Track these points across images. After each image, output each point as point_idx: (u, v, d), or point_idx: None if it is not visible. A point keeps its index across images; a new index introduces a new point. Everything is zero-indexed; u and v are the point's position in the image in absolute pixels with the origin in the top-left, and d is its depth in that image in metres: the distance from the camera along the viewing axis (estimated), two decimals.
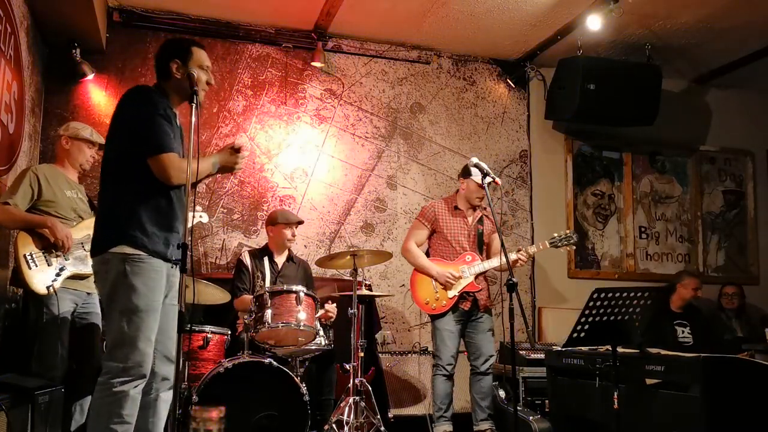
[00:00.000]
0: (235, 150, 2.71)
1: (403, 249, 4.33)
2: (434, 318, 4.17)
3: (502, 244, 3.53)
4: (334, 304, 4.20)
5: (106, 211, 2.59)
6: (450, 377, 4.11)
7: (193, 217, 4.11)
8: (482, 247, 4.24)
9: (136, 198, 2.53)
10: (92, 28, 4.52)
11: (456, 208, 4.24)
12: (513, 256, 4.10)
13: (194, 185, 2.77)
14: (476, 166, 3.78)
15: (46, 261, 3.36)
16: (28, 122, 4.24)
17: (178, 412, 2.52)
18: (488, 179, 3.75)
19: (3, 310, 3.87)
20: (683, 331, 5.13)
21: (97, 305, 3.65)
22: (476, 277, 4.12)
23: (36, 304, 3.38)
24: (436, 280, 4.13)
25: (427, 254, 4.31)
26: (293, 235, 4.37)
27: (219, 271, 4.96)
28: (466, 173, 4.19)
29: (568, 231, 4.27)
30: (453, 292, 4.10)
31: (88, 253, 3.49)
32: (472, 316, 4.16)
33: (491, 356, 4.11)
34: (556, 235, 4.24)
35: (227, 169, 2.74)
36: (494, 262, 4.13)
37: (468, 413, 4.39)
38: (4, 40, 3.57)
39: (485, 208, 4.29)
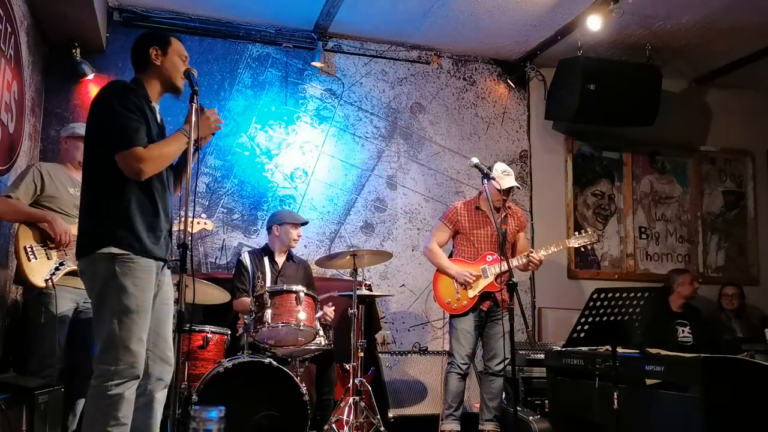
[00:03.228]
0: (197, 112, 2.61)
1: (425, 249, 4.37)
2: (453, 317, 4.17)
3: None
4: (333, 308, 4.21)
5: (90, 210, 2.54)
6: (463, 377, 4.11)
7: (196, 222, 4.15)
8: (506, 247, 4.22)
9: (119, 196, 2.48)
10: (92, 28, 4.52)
11: (477, 208, 4.25)
12: (524, 260, 4.13)
13: (179, 169, 2.70)
14: (476, 166, 3.78)
15: (46, 255, 3.38)
16: (28, 122, 4.24)
17: (178, 412, 2.51)
18: (488, 180, 3.76)
19: (3, 310, 3.87)
20: (683, 331, 5.13)
21: None
22: (497, 278, 4.11)
23: (35, 302, 3.40)
24: (455, 279, 4.13)
25: (451, 255, 4.31)
26: (299, 236, 4.44)
27: (219, 271, 4.96)
28: (486, 176, 4.14)
29: (590, 230, 4.35)
30: (473, 292, 4.10)
31: None
32: (492, 316, 4.15)
33: (506, 359, 4.08)
34: (576, 233, 4.35)
35: (205, 134, 2.67)
36: (514, 262, 4.14)
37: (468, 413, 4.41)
38: (4, 40, 3.58)
39: (509, 207, 4.30)
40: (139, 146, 2.45)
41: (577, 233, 4.37)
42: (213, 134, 2.75)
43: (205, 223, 4.21)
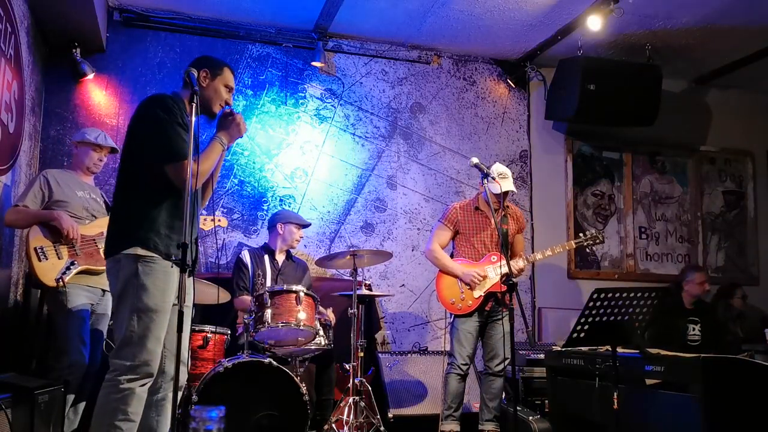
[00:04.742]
0: (228, 116, 2.77)
1: (427, 251, 4.32)
2: (457, 318, 4.16)
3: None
4: (332, 309, 4.22)
5: (121, 213, 2.64)
6: (463, 377, 4.10)
7: (210, 219, 4.19)
8: (507, 247, 4.22)
9: (150, 201, 2.58)
10: (92, 28, 4.53)
11: (477, 208, 4.24)
12: (521, 263, 4.14)
13: (206, 181, 2.80)
14: (476, 166, 3.78)
15: (57, 254, 3.44)
16: (28, 122, 4.24)
17: (177, 412, 2.51)
18: (488, 180, 3.76)
19: (4, 310, 3.87)
20: (694, 329, 5.06)
21: (110, 306, 3.68)
22: (502, 278, 4.10)
23: (52, 301, 3.45)
24: (461, 280, 4.12)
25: (452, 256, 4.30)
26: (301, 237, 4.48)
27: (219, 271, 4.95)
28: (486, 176, 4.12)
29: (593, 230, 4.40)
30: (479, 292, 4.08)
31: (101, 250, 3.55)
32: (493, 316, 4.15)
33: (506, 359, 4.08)
34: (581, 235, 4.41)
35: (235, 138, 2.81)
36: (520, 262, 4.17)
37: (468, 413, 4.41)
38: (5, 40, 3.58)
39: (508, 207, 4.31)
40: (188, 159, 2.54)
41: (581, 234, 4.40)
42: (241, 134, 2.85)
43: (219, 220, 4.25)
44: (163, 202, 2.59)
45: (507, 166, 4.39)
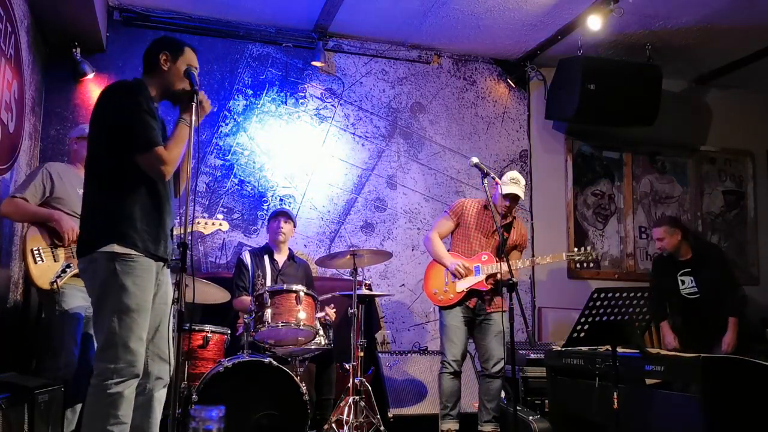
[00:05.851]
0: (187, 93, 2.59)
1: (426, 238, 4.37)
2: (441, 311, 4.19)
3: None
4: (335, 309, 4.21)
5: (93, 209, 2.53)
6: (456, 375, 4.10)
7: (211, 223, 4.18)
8: (502, 253, 4.21)
9: (123, 195, 2.48)
10: (92, 28, 4.53)
11: (485, 207, 4.25)
12: (519, 264, 4.16)
13: (178, 171, 2.65)
14: (476, 166, 3.77)
15: (53, 257, 3.41)
16: (28, 121, 4.24)
17: (177, 412, 2.50)
18: (487, 180, 3.77)
19: (4, 310, 3.87)
20: (690, 281, 4.85)
21: None
22: (487, 278, 4.12)
23: (48, 302, 3.44)
24: (447, 268, 4.14)
25: (449, 250, 4.33)
26: (281, 228, 4.38)
27: (219, 271, 4.96)
28: (486, 176, 4.11)
29: (588, 249, 4.37)
30: (462, 287, 4.11)
31: None
32: (480, 316, 4.15)
33: (501, 359, 4.09)
34: (576, 249, 4.44)
35: (200, 117, 2.62)
36: (518, 263, 4.20)
37: (468, 413, 4.41)
38: (5, 39, 3.57)
39: (515, 218, 4.31)
40: (160, 146, 2.47)
41: (576, 249, 4.45)
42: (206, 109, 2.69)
43: (220, 224, 4.23)
44: (136, 194, 2.49)
45: (507, 166, 4.41)
